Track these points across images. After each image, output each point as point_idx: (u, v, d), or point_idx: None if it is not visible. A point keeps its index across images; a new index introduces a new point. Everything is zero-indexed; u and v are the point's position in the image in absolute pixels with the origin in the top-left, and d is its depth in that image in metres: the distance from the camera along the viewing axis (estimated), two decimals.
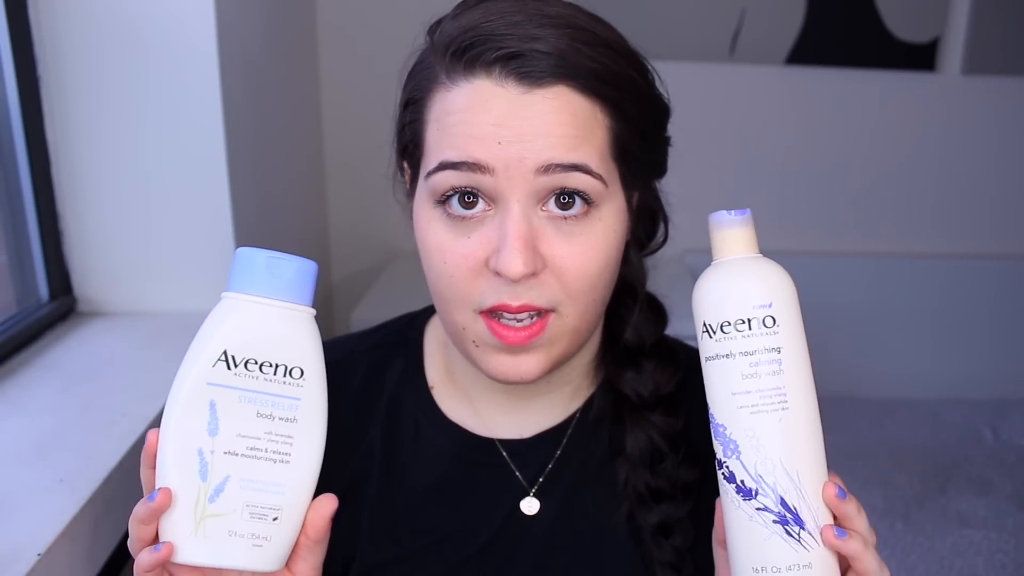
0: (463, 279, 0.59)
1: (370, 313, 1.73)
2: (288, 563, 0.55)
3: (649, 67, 0.63)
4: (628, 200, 0.63)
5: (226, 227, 1.32)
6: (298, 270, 0.52)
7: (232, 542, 0.51)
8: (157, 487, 0.51)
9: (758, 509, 0.53)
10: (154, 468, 0.52)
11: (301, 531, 0.55)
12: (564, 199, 0.58)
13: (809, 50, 2.11)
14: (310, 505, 0.55)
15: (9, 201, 1.22)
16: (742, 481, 0.53)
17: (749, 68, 2.13)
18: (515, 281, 0.57)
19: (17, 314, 1.21)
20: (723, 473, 0.54)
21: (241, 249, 0.52)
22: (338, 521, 0.70)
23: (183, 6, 1.23)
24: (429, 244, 0.60)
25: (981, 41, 2.12)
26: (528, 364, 0.60)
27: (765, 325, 0.52)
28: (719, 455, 0.54)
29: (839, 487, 0.53)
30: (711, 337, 0.54)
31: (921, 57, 2.13)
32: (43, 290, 1.27)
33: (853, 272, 2.23)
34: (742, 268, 0.54)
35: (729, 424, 0.53)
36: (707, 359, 0.54)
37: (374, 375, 0.73)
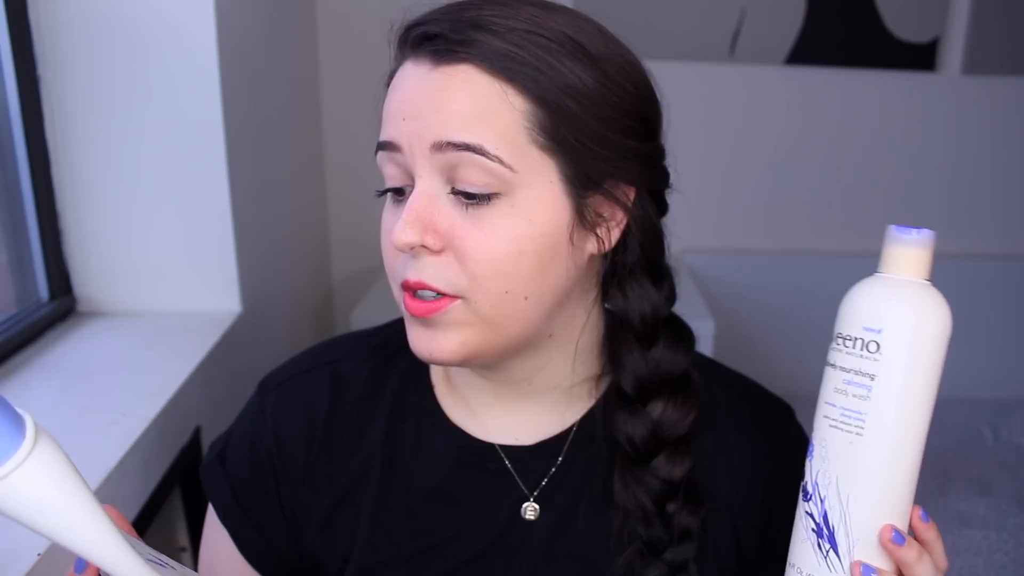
0: (389, 254, 0.61)
1: (370, 313, 1.73)
2: None
3: (622, 75, 0.60)
4: (577, 200, 0.59)
5: (226, 227, 1.32)
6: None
7: None
8: None
9: (806, 512, 0.55)
10: None
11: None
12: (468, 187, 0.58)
13: (809, 50, 2.12)
14: None
15: (9, 201, 1.22)
16: (806, 481, 0.56)
17: (749, 68, 2.14)
18: (410, 253, 0.58)
19: (17, 314, 1.21)
20: (804, 464, 0.57)
21: None
22: (337, 520, 0.70)
23: (183, 6, 1.23)
24: (382, 226, 0.63)
25: (981, 41, 2.12)
26: (439, 344, 0.60)
27: (868, 349, 0.53)
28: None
29: (896, 531, 0.53)
30: (831, 343, 0.55)
31: (921, 57, 2.13)
32: (43, 290, 1.27)
33: (853, 272, 2.20)
34: (881, 288, 0.54)
35: (816, 427, 0.56)
36: (826, 363, 0.56)
37: (379, 375, 0.72)
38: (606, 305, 0.67)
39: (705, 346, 1.71)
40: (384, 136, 0.59)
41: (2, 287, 1.24)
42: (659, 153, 0.64)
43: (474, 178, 0.56)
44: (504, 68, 0.56)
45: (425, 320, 0.60)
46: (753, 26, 2.10)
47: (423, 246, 0.58)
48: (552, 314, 0.62)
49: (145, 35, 1.22)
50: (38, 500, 0.44)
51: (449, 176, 0.57)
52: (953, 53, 2.15)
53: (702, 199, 2.20)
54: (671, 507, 0.64)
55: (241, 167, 1.37)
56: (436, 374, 0.72)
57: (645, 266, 0.65)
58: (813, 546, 0.54)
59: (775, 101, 2.19)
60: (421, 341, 0.61)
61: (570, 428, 0.69)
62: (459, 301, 0.58)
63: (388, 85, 0.62)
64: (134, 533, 0.55)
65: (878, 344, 0.52)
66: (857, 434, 0.53)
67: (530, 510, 0.68)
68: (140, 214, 1.30)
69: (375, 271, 2.09)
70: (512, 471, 0.69)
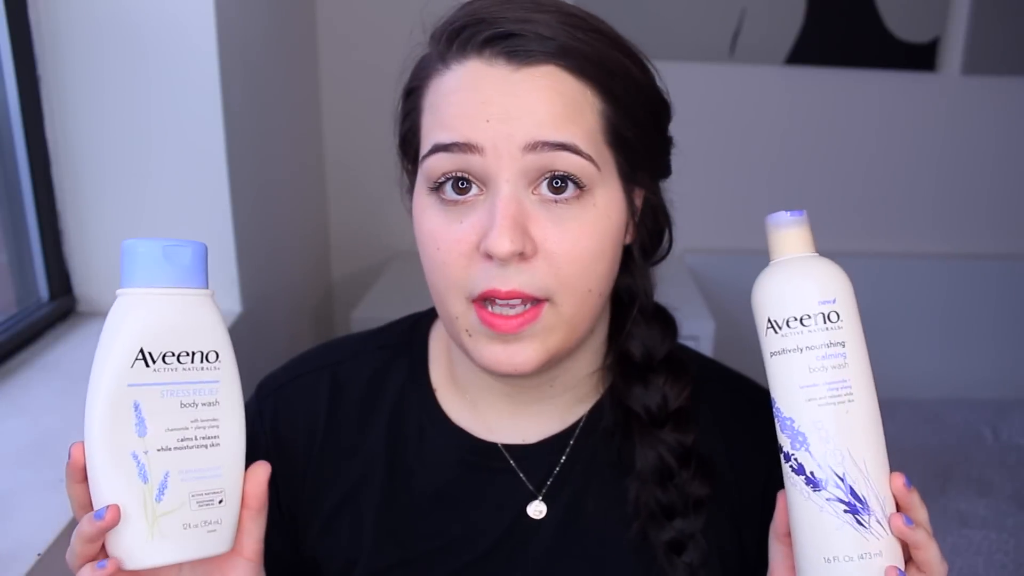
0: (455, 265, 0.58)
1: (370, 313, 1.73)
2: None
3: (649, 64, 0.63)
4: (628, 194, 0.62)
5: (226, 227, 1.32)
6: (194, 254, 0.53)
7: (189, 534, 0.51)
8: (97, 500, 0.49)
9: (828, 500, 0.54)
10: (84, 482, 0.50)
11: (241, 505, 0.54)
12: (557, 183, 0.57)
13: (809, 50, 2.11)
14: (244, 478, 0.54)
15: (9, 201, 1.22)
16: (811, 472, 0.54)
17: (749, 68, 2.14)
18: (503, 261, 0.56)
19: (17, 314, 1.21)
20: (791, 465, 0.55)
21: (127, 242, 0.51)
22: (339, 524, 0.69)
23: (183, 6, 1.23)
24: (424, 231, 0.60)
25: (981, 41, 2.12)
26: (522, 355, 0.59)
27: (830, 320, 0.54)
28: (786, 448, 0.55)
29: (905, 477, 0.54)
30: (776, 332, 0.55)
31: (921, 57, 2.13)
32: (43, 290, 1.27)
33: (853, 272, 2.18)
34: (804, 266, 0.56)
35: (797, 417, 0.54)
36: (772, 354, 0.56)
37: (379, 377, 0.72)
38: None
39: (705, 346, 1.71)
40: (458, 137, 0.57)
41: (2, 287, 1.24)
42: (671, 143, 0.67)
43: (565, 178, 0.57)
44: (582, 68, 0.58)
45: (505, 336, 0.58)
46: (753, 26, 2.10)
47: (520, 253, 0.56)
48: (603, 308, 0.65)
49: (145, 35, 1.22)
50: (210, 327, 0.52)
51: (534, 177, 0.57)
52: (953, 53, 2.15)
53: (702, 199, 2.20)
54: (685, 474, 0.66)
55: (241, 167, 1.37)
56: (438, 375, 0.72)
57: (651, 248, 0.68)
58: (854, 525, 0.53)
59: (775, 101, 2.19)
60: (501, 356, 0.59)
61: (575, 423, 0.70)
62: (547, 305, 0.58)
63: (414, 87, 0.62)
64: (261, 501, 0.55)
65: (838, 313, 0.54)
66: (850, 401, 0.54)
67: (537, 508, 0.68)
68: (140, 214, 1.30)
69: (375, 271, 2.09)
70: (517, 470, 0.69)
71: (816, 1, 2.08)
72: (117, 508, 0.49)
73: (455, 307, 0.59)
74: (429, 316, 0.75)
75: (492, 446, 0.69)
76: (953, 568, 1.59)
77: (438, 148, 0.58)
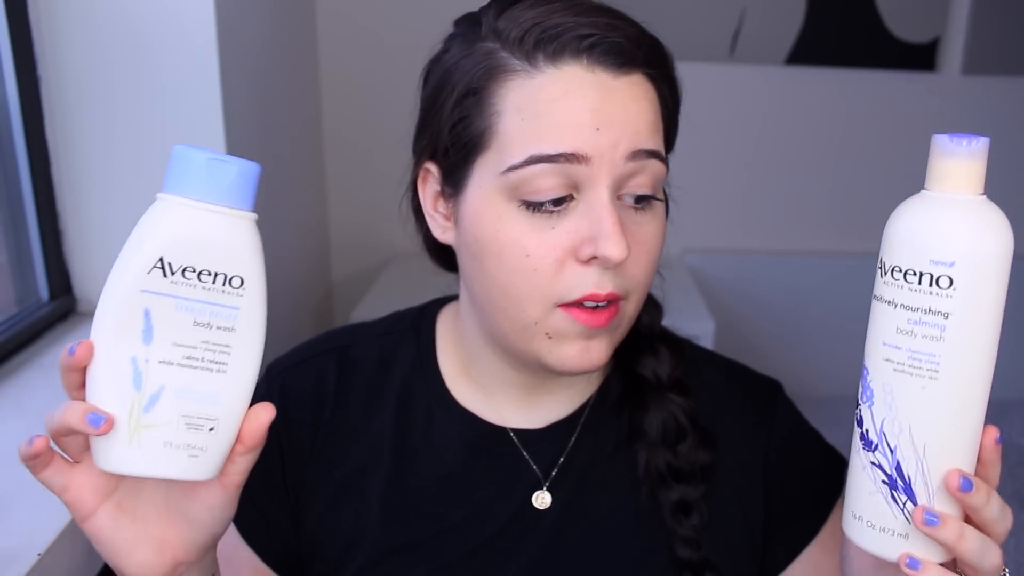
0: (547, 272, 0.58)
1: (370, 313, 1.71)
2: None
3: None
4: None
5: None
6: (240, 173, 0.49)
7: (168, 453, 0.49)
8: (89, 396, 0.49)
9: (872, 463, 0.51)
10: (78, 372, 0.49)
11: (236, 439, 0.51)
12: (641, 194, 0.60)
13: (809, 50, 2.12)
14: (246, 414, 0.52)
15: (9, 201, 1.22)
16: (866, 431, 0.51)
17: (749, 68, 2.14)
18: (615, 266, 0.58)
19: (17, 314, 1.21)
20: (855, 414, 0.52)
21: (177, 147, 0.49)
22: (343, 505, 0.70)
23: (183, 6, 1.23)
24: (508, 239, 0.58)
25: (981, 41, 2.12)
26: (597, 351, 0.61)
27: (939, 285, 0.47)
28: (857, 395, 0.52)
29: (964, 478, 0.49)
30: (881, 276, 0.49)
31: (921, 57, 2.13)
32: (43, 290, 1.27)
33: (854, 272, 2.22)
34: (942, 212, 0.47)
35: (872, 370, 0.50)
36: (874, 297, 0.50)
37: (386, 362, 0.73)
38: None
39: (704, 346, 1.71)
40: (566, 148, 0.56)
41: (2, 287, 1.24)
42: None
43: (648, 184, 0.59)
44: (660, 75, 0.61)
45: (592, 331, 0.60)
46: (753, 26, 2.10)
47: None
48: None
49: (145, 35, 1.22)
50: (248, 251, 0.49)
51: (618, 184, 0.58)
52: (953, 53, 2.15)
53: (702, 199, 2.20)
54: (692, 438, 0.68)
55: None
56: (448, 362, 0.72)
57: None
58: (886, 499, 0.50)
59: (775, 101, 2.19)
60: (585, 354, 0.61)
61: (583, 406, 0.71)
62: (622, 302, 0.60)
63: (479, 87, 0.59)
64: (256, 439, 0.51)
65: (951, 279, 0.46)
66: (931, 378, 0.48)
67: (543, 497, 0.69)
68: (140, 214, 1.30)
69: (375, 271, 2.09)
70: (524, 455, 0.70)
71: (816, 1, 2.08)
72: (90, 345, 0.48)
73: (535, 312, 0.59)
74: (433, 305, 0.77)
75: (501, 430, 0.70)
76: None
77: (539, 159, 0.56)
